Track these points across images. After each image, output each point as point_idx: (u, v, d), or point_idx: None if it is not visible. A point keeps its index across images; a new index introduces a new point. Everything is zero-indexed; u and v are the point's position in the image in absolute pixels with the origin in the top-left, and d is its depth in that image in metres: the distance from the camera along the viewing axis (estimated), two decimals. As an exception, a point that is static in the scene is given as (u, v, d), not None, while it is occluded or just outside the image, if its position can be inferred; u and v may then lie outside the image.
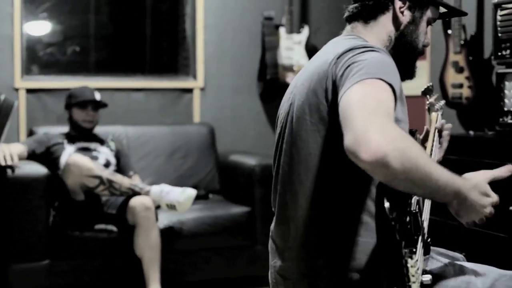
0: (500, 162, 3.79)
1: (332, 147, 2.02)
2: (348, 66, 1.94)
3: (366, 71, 1.88)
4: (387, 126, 1.73)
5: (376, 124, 1.72)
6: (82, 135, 4.91)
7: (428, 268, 2.06)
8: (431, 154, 2.35)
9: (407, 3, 2.20)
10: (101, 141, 4.98)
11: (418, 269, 1.79)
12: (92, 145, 4.90)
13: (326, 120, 2.03)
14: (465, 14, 2.52)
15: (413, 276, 1.73)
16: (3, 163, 4.31)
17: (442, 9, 2.36)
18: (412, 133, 2.13)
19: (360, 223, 2.01)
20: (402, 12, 2.20)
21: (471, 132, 4.46)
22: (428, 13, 2.25)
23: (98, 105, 4.94)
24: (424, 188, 1.78)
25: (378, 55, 1.97)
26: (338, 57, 2.01)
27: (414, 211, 1.89)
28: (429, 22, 2.27)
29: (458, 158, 4.11)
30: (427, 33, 2.29)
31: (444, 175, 1.81)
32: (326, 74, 2.02)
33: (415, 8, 2.22)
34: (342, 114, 1.83)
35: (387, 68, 1.93)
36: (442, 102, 2.76)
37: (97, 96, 4.93)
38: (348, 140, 1.73)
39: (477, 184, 1.93)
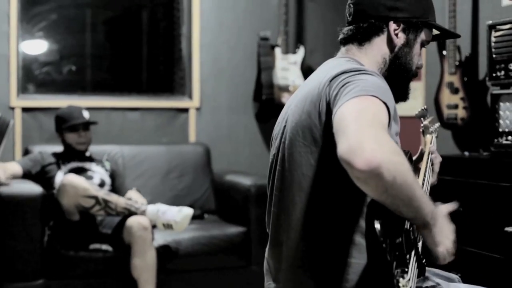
0: (495, 183, 3.81)
1: (325, 168, 2.03)
2: (342, 86, 1.95)
3: (361, 89, 1.89)
4: (382, 137, 1.74)
5: (371, 134, 1.73)
6: (76, 155, 4.90)
7: (423, 286, 2.06)
8: (424, 176, 2.35)
9: (401, 26, 2.22)
10: (96, 161, 4.97)
11: (410, 288, 1.79)
12: (87, 164, 4.90)
13: (319, 142, 2.03)
14: (458, 36, 2.53)
15: (405, 295, 1.74)
16: None
17: (436, 31, 2.38)
18: (405, 153, 2.13)
19: (352, 244, 2.01)
20: (396, 35, 2.21)
21: (466, 153, 4.47)
22: (422, 35, 2.26)
23: (88, 124, 4.93)
24: (409, 206, 1.80)
25: (372, 78, 1.98)
26: (332, 79, 2.01)
27: (406, 229, 1.89)
28: (422, 44, 2.28)
29: (453, 178, 4.12)
30: (421, 55, 2.30)
31: (423, 194, 1.84)
32: (320, 96, 2.03)
33: (409, 30, 2.23)
34: (336, 126, 1.83)
35: (381, 89, 1.93)
36: (437, 124, 2.77)
37: (86, 114, 4.90)
38: (343, 148, 1.73)
39: (440, 207, 1.97)
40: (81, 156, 4.93)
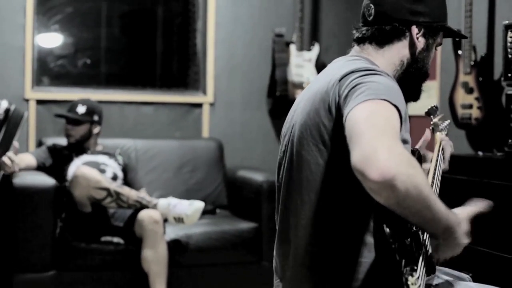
0: (508, 183, 3.79)
1: (334, 167, 2.03)
2: (353, 87, 1.93)
3: (372, 92, 1.88)
4: (396, 147, 1.72)
5: (385, 144, 1.71)
6: (89, 148, 4.91)
7: (434, 283, 2.06)
8: (434, 174, 2.35)
9: (423, 30, 2.21)
10: (109, 155, 4.98)
11: (419, 286, 1.78)
12: (100, 158, 4.90)
13: (327, 141, 2.03)
14: (465, 37, 2.53)
15: (414, 293, 1.73)
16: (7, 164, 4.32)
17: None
18: (413, 152, 2.12)
19: (363, 244, 2.01)
20: (417, 39, 2.21)
21: (480, 153, 4.46)
22: (438, 39, 2.28)
23: (75, 121, 4.88)
24: (419, 218, 1.79)
25: (383, 79, 1.97)
26: (341, 79, 2.00)
27: (414, 230, 1.88)
28: (436, 47, 2.29)
29: (466, 178, 4.11)
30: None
31: (441, 209, 1.82)
32: (328, 95, 2.02)
33: (429, 34, 2.23)
34: (349, 132, 1.82)
35: (391, 90, 1.93)
36: (447, 122, 2.76)
37: (80, 109, 4.87)
38: (356, 158, 1.72)
39: (462, 223, 1.95)
40: (94, 149, 4.94)
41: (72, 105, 4.93)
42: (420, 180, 1.73)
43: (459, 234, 1.92)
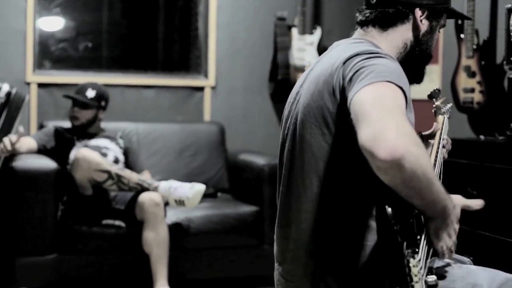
0: (510, 167, 3.79)
1: (337, 150, 2.02)
2: (357, 70, 1.93)
3: (377, 74, 1.88)
4: (404, 127, 1.73)
5: (393, 123, 1.72)
6: (90, 131, 4.91)
7: (434, 266, 2.06)
8: (436, 156, 2.35)
9: (426, 13, 2.21)
10: (110, 138, 4.98)
11: (421, 268, 1.79)
12: (101, 141, 4.90)
13: (330, 124, 2.03)
14: (469, 18, 2.52)
15: (415, 275, 1.73)
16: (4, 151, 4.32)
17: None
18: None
19: (366, 227, 2.01)
20: (421, 21, 2.21)
21: (482, 137, 4.45)
22: (442, 21, 2.27)
23: (84, 104, 4.88)
24: (423, 198, 1.80)
25: (386, 61, 1.97)
26: (345, 61, 2.00)
27: (416, 212, 1.89)
28: (439, 28, 2.28)
29: (468, 162, 4.11)
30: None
31: (441, 190, 1.84)
32: (332, 78, 2.02)
33: (432, 17, 2.23)
34: (355, 113, 1.82)
35: (396, 73, 1.93)
36: (449, 105, 2.76)
37: (90, 93, 4.87)
38: (365, 137, 1.72)
39: (456, 207, 1.96)
40: (96, 132, 4.94)
41: (81, 88, 4.92)
42: (426, 161, 1.74)
43: (453, 216, 1.93)
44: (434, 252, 1.97)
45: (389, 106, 1.78)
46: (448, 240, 1.94)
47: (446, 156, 2.57)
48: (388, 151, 1.67)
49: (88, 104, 4.86)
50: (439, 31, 2.30)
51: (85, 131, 4.91)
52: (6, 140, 4.36)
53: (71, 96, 4.89)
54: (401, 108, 1.81)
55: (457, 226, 1.96)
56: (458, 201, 2.02)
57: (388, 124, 1.71)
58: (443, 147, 2.53)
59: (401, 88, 1.87)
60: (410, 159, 1.68)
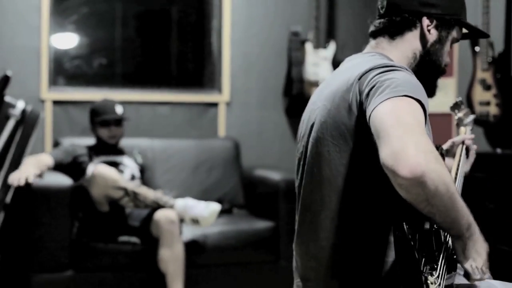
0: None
1: (356, 166, 2.01)
2: (374, 85, 1.92)
3: (395, 89, 1.87)
4: (425, 144, 1.73)
5: (413, 140, 1.72)
6: (108, 148, 4.92)
7: (455, 283, 2.04)
8: (458, 168, 2.34)
9: (434, 22, 2.20)
10: (128, 154, 4.98)
11: (439, 285, 1.77)
12: (119, 158, 4.90)
13: (348, 140, 2.02)
14: (487, 36, 2.51)
15: (434, 292, 1.72)
16: (15, 184, 4.31)
17: (465, 30, 2.35)
18: (437, 148, 2.11)
19: (386, 243, 2.00)
20: (429, 30, 2.20)
21: (498, 150, 4.43)
22: (454, 33, 2.25)
23: (121, 121, 4.94)
24: (446, 216, 1.79)
25: (404, 74, 1.96)
26: (361, 77, 2.00)
27: (435, 229, 1.87)
28: (452, 42, 2.27)
29: (485, 175, 4.08)
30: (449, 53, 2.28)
31: (464, 206, 1.83)
32: (349, 94, 2.01)
33: (442, 27, 2.21)
34: (376, 130, 1.82)
35: (414, 86, 1.92)
36: (472, 117, 2.74)
37: (119, 109, 4.90)
38: (386, 155, 1.72)
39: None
40: (113, 149, 4.94)
41: (108, 106, 4.92)
42: (447, 177, 1.74)
43: (479, 232, 1.90)
44: (465, 274, 1.93)
45: (408, 122, 1.77)
46: (478, 259, 1.91)
47: (473, 157, 2.56)
48: (409, 169, 1.67)
49: (123, 119, 4.91)
50: (453, 44, 2.28)
51: (107, 147, 4.90)
52: (23, 174, 4.35)
53: (107, 118, 4.87)
54: (420, 123, 1.80)
55: (486, 245, 1.94)
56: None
57: (408, 142, 1.71)
58: (467, 148, 2.52)
59: (419, 101, 1.86)
60: (431, 176, 1.68)
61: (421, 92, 1.91)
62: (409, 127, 1.75)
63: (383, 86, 1.89)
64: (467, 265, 1.91)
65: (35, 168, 4.42)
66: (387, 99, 1.84)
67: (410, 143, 1.71)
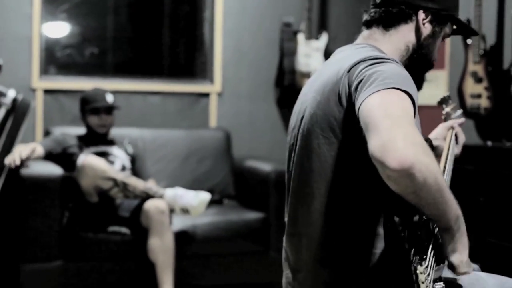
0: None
1: (345, 159, 2.01)
2: (364, 77, 1.92)
3: (383, 81, 1.86)
4: (414, 135, 1.73)
5: (402, 133, 1.72)
6: (98, 138, 4.90)
7: (443, 275, 2.04)
8: (448, 153, 2.35)
9: (430, 17, 2.20)
10: (118, 144, 4.97)
11: (428, 275, 1.78)
12: (109, 148, 4.89)
13: (338, 133, 2.01)
14: (477, 34, 2.52)
15: (423, 283, 1.73)
16: (12, 165, 4.30)
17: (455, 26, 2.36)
18: (426, 141, 2.12)
19: (375, 235, 2.00)
20: (424, 24, 2.20)
21: (489, 143, 4.44)
22: (446, 29, 2.26)
23: (111, 109, 4.93)
24: (434, 208, 1.79)
25: (393, 66, 1.96)
26: (350, 69, 1.99)
27: (424, 219, 1.87)
28: (443, 38, 2.27)
29: (475, 168, 4.09)
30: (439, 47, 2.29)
31: (452, 198, 1.83)
32: (338, 86, 2.01)
33: (436, 22, 2.21)
34: (364, 122, 1.81)
35: (403, 78, 1.92)
36: (459, 111, 2.75)
37: (110, 98, 4.89)
38: (374, 147, 1.72)
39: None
40: (103, 139, 4.93)
41: (97, 94, 4.90)
42: (436, 169, 1.74)
43: (464, 226, 1.91)
44: (450, 266, 1.93)
45: (396, 114, 1.77)
46: (464, 253, 1.91)
47: (459, 149, 2.57)
48: (398, 160, 1.67)
49: (114, 108, 4.90)
50: (443, 40, 2.29)
51: (97, 137, 4.89)
52: (16, 155, 4.34)
53: (98, 106, 4.86)
54: (409, 115, 1.80)
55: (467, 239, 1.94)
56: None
57: (397, 134, 1.71)
58: (456, 138, 2.53)
59: (408, 93, 1.86)
60: (420, 168, 1.68)
61: (410, 84, 1.91)
62: (397, 119, 1.76)
63: (372, 78, 1.89)
64: (454, 258, 1.91)
65: (27, 150, 4.40)
66: (376, 91, 1.84)
67: (399, 135, 1.71)
